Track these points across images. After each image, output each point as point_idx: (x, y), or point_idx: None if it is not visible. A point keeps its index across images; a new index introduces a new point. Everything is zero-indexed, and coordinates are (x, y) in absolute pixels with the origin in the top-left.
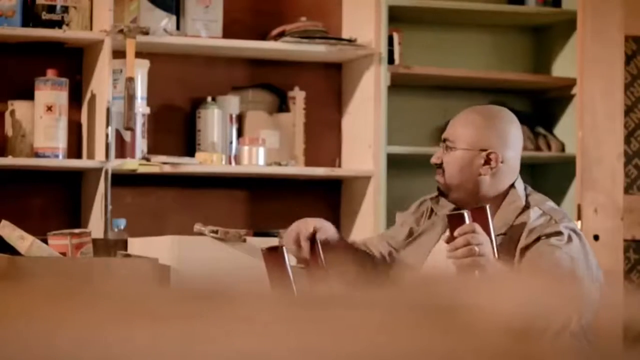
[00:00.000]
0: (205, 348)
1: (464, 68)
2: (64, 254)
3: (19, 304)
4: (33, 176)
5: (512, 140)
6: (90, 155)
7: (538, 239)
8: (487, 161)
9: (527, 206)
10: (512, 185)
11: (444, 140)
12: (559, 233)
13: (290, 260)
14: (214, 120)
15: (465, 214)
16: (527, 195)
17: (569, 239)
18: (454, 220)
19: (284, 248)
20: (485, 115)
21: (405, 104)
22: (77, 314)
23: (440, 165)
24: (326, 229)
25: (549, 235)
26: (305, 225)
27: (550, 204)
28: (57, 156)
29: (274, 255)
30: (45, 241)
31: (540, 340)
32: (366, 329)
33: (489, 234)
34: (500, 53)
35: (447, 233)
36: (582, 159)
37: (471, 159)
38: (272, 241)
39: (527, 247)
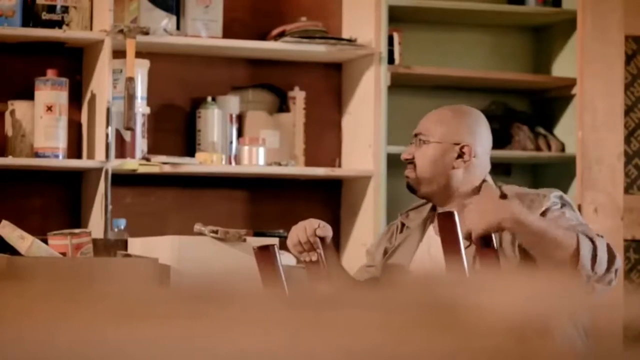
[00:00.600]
0: (205, 348)
1: (464, 68)
2: (64, 254)
3: (19, 304)
4: (33, 176)
5: (483, 137)
6: (90, 155)
7: (544, 213)
8: (461, 154)
9: (504, 197)
10: (484, 181)
11: (416, 135)
12: (554, 204)
13: (282, 259)
14: (214, 120)
15: (455, 212)
16: (499, 187)
17: (563, 206)
18: (444, 219)
19: (275, 247)
20: (456, 111)
21: (405, 104)
22: (77, 314)
23: (411, 161)
24: (328, 228)
25: (547, 210)
26: (310, 223)
27: (526, 188)
28: (57, 156)
29: (265, 254)
30: (45, 241)
31: (540, 340)
32: (366, 329)
33: (457, 238)
34: (500, 53)
35: (424, 241)
36: (582, 159)
37: (444, 152)
38: (268, 240)
39: None
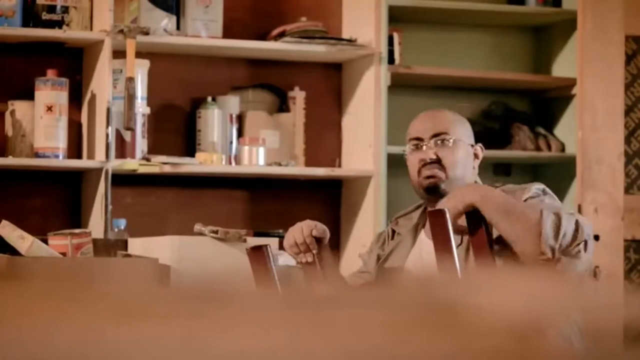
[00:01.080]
0: (205, 348)
1: (464, 68)
2: (64, 254)
3: (19, 304)
4: (33, 176)
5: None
6: (91, 155)
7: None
8: (476, 155)
9: None
10: (475, 181)
11: (437, 135)
12: (535, 194)
13: (281, 259)
14: (214, 120)
15: (446, 210)
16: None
17: (544, 196)
18: (435, 217)
19: (268, 247)
20: (456, 113)
21: (405, 104)
22: (77, 314)
23: (436, 161)
24: (325, 230)
25: (527, 199)
26: (307, 224)
27: (512, 185)
28: (57, 156)
29: (258, 254)
30: (45, 241)
31: (540, 339)
32: (366, 329)
33: (448, 237)
34: (500, 53)
35: (416, 246)
36: (582, 159)
37: (469, 152)
38: (263, 241)
39: None
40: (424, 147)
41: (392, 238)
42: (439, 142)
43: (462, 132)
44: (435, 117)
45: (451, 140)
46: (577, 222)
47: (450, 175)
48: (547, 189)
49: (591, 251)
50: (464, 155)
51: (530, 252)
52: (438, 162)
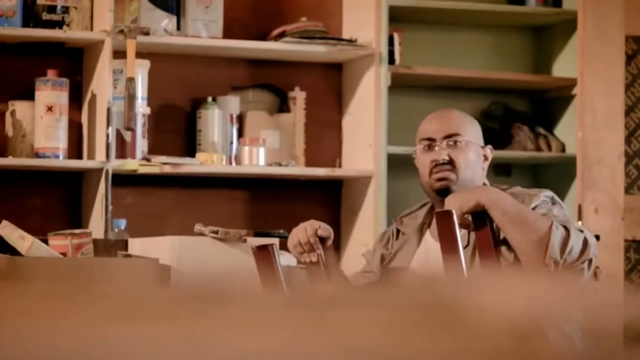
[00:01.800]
0: (205, 348)
1: (464, 68)
2: (64, 254)
3: (19, 304)
4: (33, 176)
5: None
6: (91, 156)
7: (533, 210)
8: (486, 157)
9: None
10: (483, 183)
11: (450, 136)
12: (544, 202)
13: (281, 259)
14: (215, 121)
15: (454, 212)
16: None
17: (552, 205)
18: (442, 218)
19: (274, 246)
20: (465, 114)
21: (405, 104)
22: (77, 314)
23: (448, 162)
24: (329, 229)
25: (536, 207)
26: (311, 224)
27: (519, 188)
28: (57, 156)
29: (264, 253)
30: (45, 241)
31: (541, 340)
32: (367, 329)
33: (455, 238)
34: (500, 53)
35: (422, 248)
36: (583, 159)
37: (479, 154)
38: (267, 240)
39: None
40: (437, 148)
41: (397, 238)
42: (451, 143)
43: (473, 134)
44: (446, 117)
45: (463, 142)
46: (585, 240)
47: (461, 176)
48: (556, 197)
49: (592, 270)
50: (474, 156)
51: (534, 262)
52: (450, 163)
